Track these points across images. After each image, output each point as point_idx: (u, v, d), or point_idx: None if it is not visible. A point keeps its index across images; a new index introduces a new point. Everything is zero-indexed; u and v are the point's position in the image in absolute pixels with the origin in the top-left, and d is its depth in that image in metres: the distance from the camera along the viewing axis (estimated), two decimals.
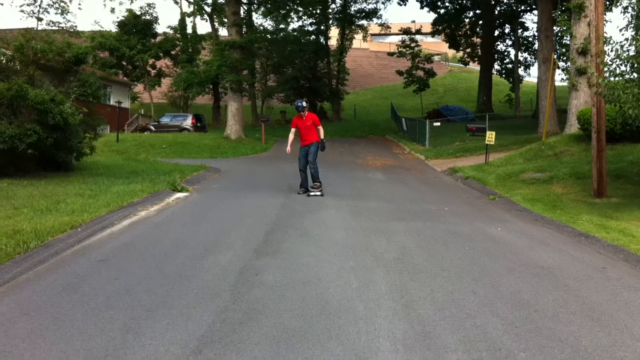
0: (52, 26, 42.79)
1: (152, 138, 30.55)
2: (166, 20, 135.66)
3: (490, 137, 18.91)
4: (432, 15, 47.89)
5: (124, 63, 47.72)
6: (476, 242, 8.16)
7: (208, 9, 45.25)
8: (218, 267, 6.61)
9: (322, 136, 13.32)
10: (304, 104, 13.29)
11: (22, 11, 68.77)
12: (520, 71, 46.54)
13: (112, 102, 36.83)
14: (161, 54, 48.53)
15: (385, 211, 10.80)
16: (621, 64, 11.72)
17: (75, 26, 45.39)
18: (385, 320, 4.90)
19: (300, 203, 11.66)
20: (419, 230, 8.90)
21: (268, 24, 51.41)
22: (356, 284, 5.98)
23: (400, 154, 26.20)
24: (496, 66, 49.19)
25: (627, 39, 11.52)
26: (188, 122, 38.55)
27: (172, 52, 49.14)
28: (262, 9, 45.34)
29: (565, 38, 32.98)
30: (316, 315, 5.03)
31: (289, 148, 13.75)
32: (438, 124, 29.33)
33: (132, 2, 58.92)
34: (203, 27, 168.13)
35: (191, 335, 4.55)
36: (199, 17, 47.93)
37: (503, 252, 7.61)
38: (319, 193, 12.81)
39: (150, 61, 48.62)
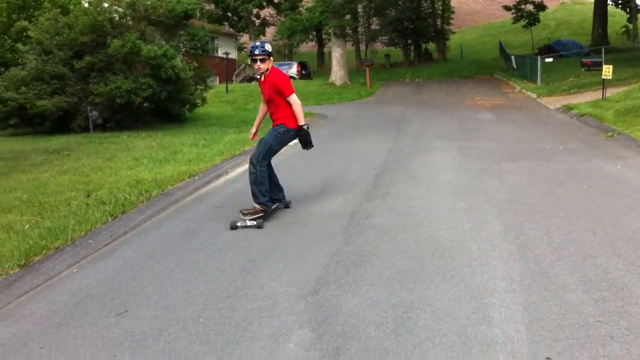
0: None
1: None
2: None
3: (607, 71, 17.84)
4: None
5: (229, 14, 48.41)
6: (594, 181, 7.82)
7: None
8: (329, 212, 6.72)
9: (300, 120, 6.66)
10: (264, 47, 6.55)
11: None
12: (638, 0, 43.31)
13: (219, 54, 37.57)
14: (264, 3, 48.84)
15: (496, 151, 10.53)
16: None
17: None
18: (500, 261, 4.83)
19: (408, 146, 11.57)
20: (532, 170, 8.63)
21: None
22: (469, 225, 5.90)
23: (510, 93, 25.33)
24: None
25: None
26: (293, 70, 38.83)
27: (275, 1, 49.29)
28: None
29: None
30: (429, 256, 5.03)
31: (252, 130, 7.27)
32: (550, 60, 27.98)
33: None
34: None
35: (307, 277, 4.68)
36: None
37: (623, 190, 7.26)
38: (250, 223, 6.31)
39: (254, 11, 49.04)
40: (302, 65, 40.04)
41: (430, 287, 4.34)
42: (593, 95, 19.22)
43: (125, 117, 16.26)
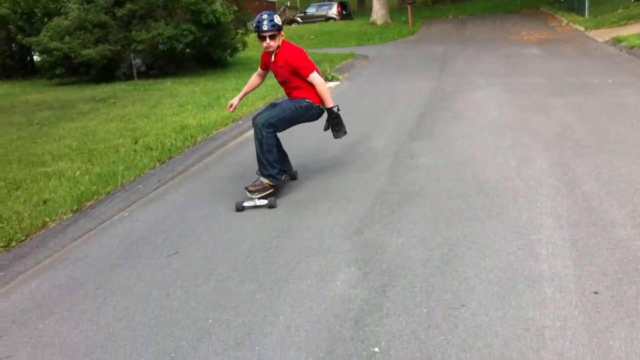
0: None
1: (300, 30, 30.82)
2: None
3: None
4: None
5: None
6: None
7: None
8: (372, 153, 6.71)
9: (328, 102, 5.50)
10: (273, 21, 5.28)
11: None
12: None
13: None
14: None
15: (542, 87, 10.29)
16: None
17: None
18: (547, 198, 4.78)
19: (452, 85, 11.38)
20: (580, 105, 8.43)
21: None
22: (514, 162, 5.84)
23: (557, 27, 24.54)
24: None
25: None
26: (333, 10, 38.38)
27: None
28: None
29: None
30: (474, 194, 5.01)
31: (234, 101, 6.11)
32: None
33: None
34: None
35: (352, 217, 4.72)
36: None
37: None
38: (260, 202, 5.25)
39: None
40: (342, 6, 39.47)
41: (476, 224, 4.34)
42: None
43: (167, 63, 16.35)
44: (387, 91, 11.33)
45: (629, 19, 21.25)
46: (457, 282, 3.48)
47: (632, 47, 14.96)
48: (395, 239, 4.21)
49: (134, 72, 16.08)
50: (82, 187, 5.92)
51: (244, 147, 7.56)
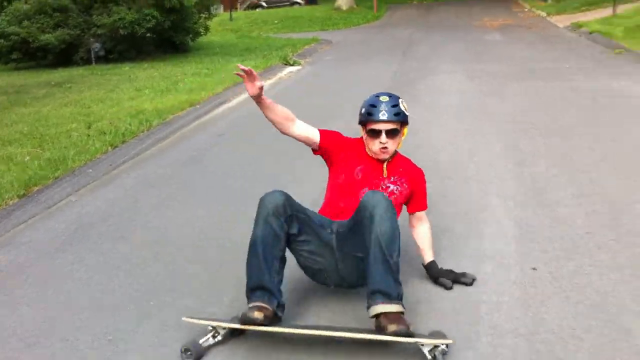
0: None
1: (264, 14, 30.58)
2: None
3: None
4: None
5: None
6: (599, 98, 7.73)
7: None
8: None
9: (430, 252, 3.31)
10: (398, 106, 3.14)
11: None
12: None
13: None
14: None
15: (503, 73, 10.38)
16: None
17: None
18: (497, 180, 4.86)
19: (413, 70, 11.41)
20: (537, 90, 8.54)
21: None
22: (468, 146, 5.91)
23: (519, 13, 24.76)
24: None
25: None
26: None
27: None
28: None
29: None
30: (428, 178, 4.99)
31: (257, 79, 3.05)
32: None
33: None
34: None
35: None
36: None
37: (627, 107, 7.20)
38: (439, 355, 2.50)
39: None
40: None
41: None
42: (604, 13, 18.76)
43: (128, 48, 16.08)
44: (348, 76, 11.32)
45: (590, 5, 21.52)
46: (403, 261, 3.48)
47: (591, 33, 15.18)
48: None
49: (92, 56, 15.78)
50: (30, 172, 5.80)
51: (200, 132, 7.49)
